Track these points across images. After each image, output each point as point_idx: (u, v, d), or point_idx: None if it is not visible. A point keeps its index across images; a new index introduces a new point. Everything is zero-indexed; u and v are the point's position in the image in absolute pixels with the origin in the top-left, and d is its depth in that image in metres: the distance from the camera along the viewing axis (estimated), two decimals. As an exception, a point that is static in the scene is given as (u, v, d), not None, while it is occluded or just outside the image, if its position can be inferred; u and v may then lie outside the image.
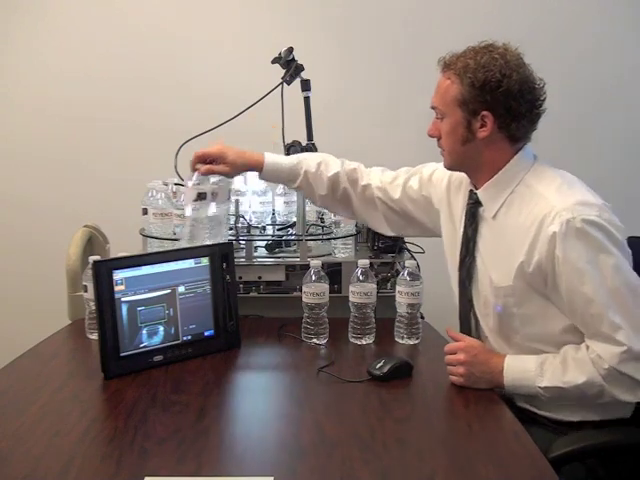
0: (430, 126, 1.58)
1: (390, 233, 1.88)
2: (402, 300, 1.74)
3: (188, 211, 1.73)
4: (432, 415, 1.41)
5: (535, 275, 1.44)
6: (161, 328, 1.61)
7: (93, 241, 2.01)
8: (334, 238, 1.99)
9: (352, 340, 1.76)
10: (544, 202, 1.44)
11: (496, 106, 1.47)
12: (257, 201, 2.09)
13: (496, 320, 1.54)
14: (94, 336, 1.65)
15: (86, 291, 1.72)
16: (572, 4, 2.73)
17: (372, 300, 1.74)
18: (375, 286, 1.75)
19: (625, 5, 2.76)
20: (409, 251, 2.00)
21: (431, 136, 1.58)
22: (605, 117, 2.81)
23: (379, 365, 1.53)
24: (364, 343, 1.75)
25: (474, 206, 1.59)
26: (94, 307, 1.57)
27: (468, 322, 1.62)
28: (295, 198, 2.04)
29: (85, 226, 2.00)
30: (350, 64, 2.72)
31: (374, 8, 2.71)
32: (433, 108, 1.56)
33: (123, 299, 1.55)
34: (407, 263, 1.78)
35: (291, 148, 2.02)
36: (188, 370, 1.58)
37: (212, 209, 1.75)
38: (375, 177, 1.83)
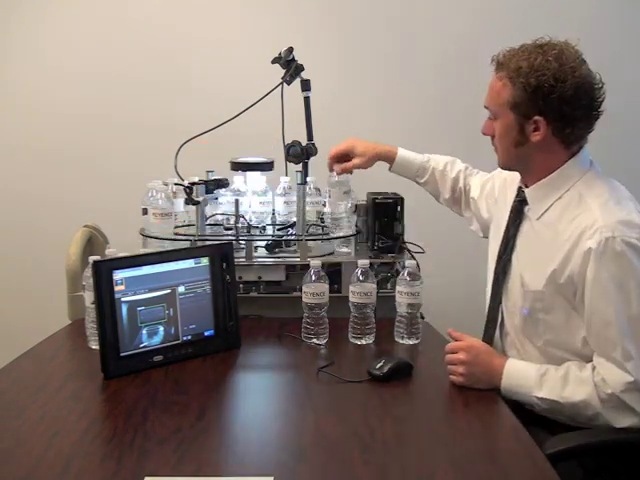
0: (484, 125, 1.57)
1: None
2: (402, 300, 1.74)
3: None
4: (432, 415, 1.42)
5: (566, 286, 1.43)
6: (161, 328, 1.61)
7: (93, 241, 2.01)
8: (334, 238, 1.99)
9: (352, 340, 1.76)
10: (588, 214, 1.42)
11: (549, 111, 1.44)
12: (257, 201, 2.08)
13: (521, 321, 1.54)
14: (95, 345, 1.65)
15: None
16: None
17: (372, 300, 1.74)
18: (375, 286, 1.75)
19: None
20: (409, 251, 2.00)
21: (485, 134, 1.58)
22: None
23: (379, 365, 1.53)
24: (364, 343, 1.74)
25: (520, 204, 1.59)
26: (94, 315, 1.57)
27: (494, 316, 1.62)
28: (295, 198, 2.04)
29: (85, 226, 2.00)
30: (350, 64, 2.72)
31: (374, 8, 2.71)
32: (486, 107, 1.55)
33: (123, 299, 1.55)
34: (407, 263, 1.78)
35: (291, 148, 2.02)
36: (188, 370, 1.58)
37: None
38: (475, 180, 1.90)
